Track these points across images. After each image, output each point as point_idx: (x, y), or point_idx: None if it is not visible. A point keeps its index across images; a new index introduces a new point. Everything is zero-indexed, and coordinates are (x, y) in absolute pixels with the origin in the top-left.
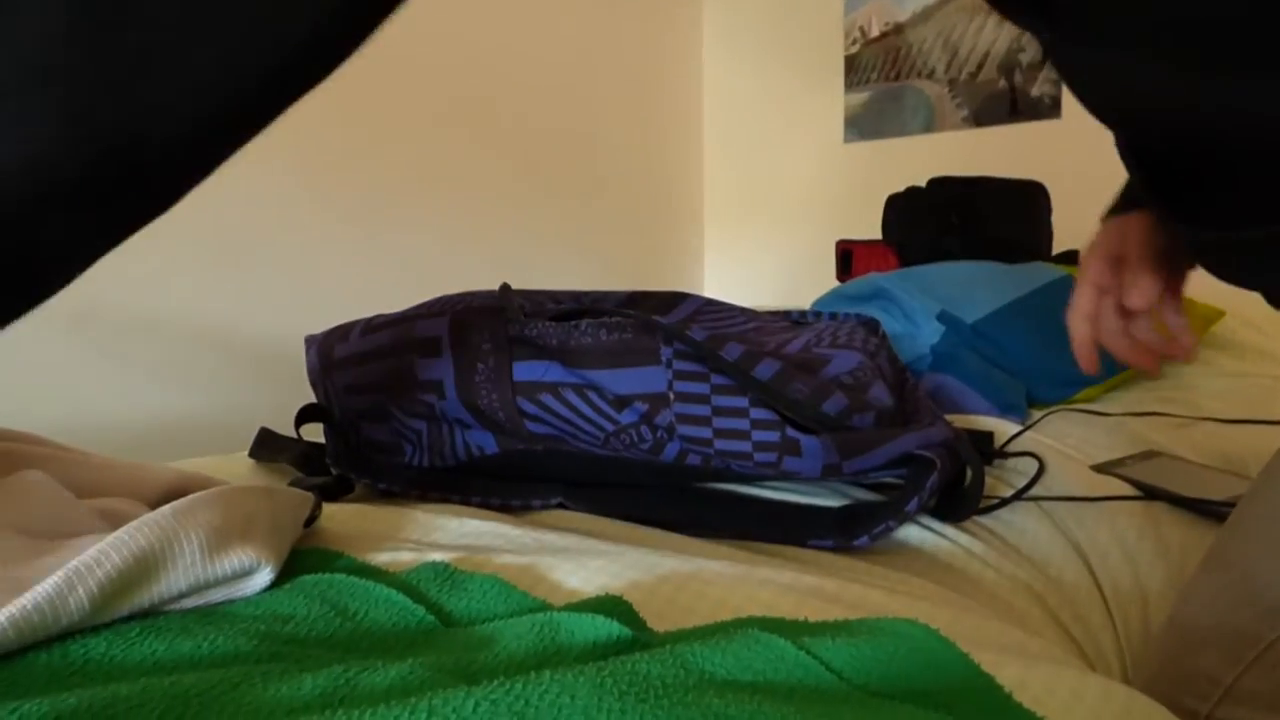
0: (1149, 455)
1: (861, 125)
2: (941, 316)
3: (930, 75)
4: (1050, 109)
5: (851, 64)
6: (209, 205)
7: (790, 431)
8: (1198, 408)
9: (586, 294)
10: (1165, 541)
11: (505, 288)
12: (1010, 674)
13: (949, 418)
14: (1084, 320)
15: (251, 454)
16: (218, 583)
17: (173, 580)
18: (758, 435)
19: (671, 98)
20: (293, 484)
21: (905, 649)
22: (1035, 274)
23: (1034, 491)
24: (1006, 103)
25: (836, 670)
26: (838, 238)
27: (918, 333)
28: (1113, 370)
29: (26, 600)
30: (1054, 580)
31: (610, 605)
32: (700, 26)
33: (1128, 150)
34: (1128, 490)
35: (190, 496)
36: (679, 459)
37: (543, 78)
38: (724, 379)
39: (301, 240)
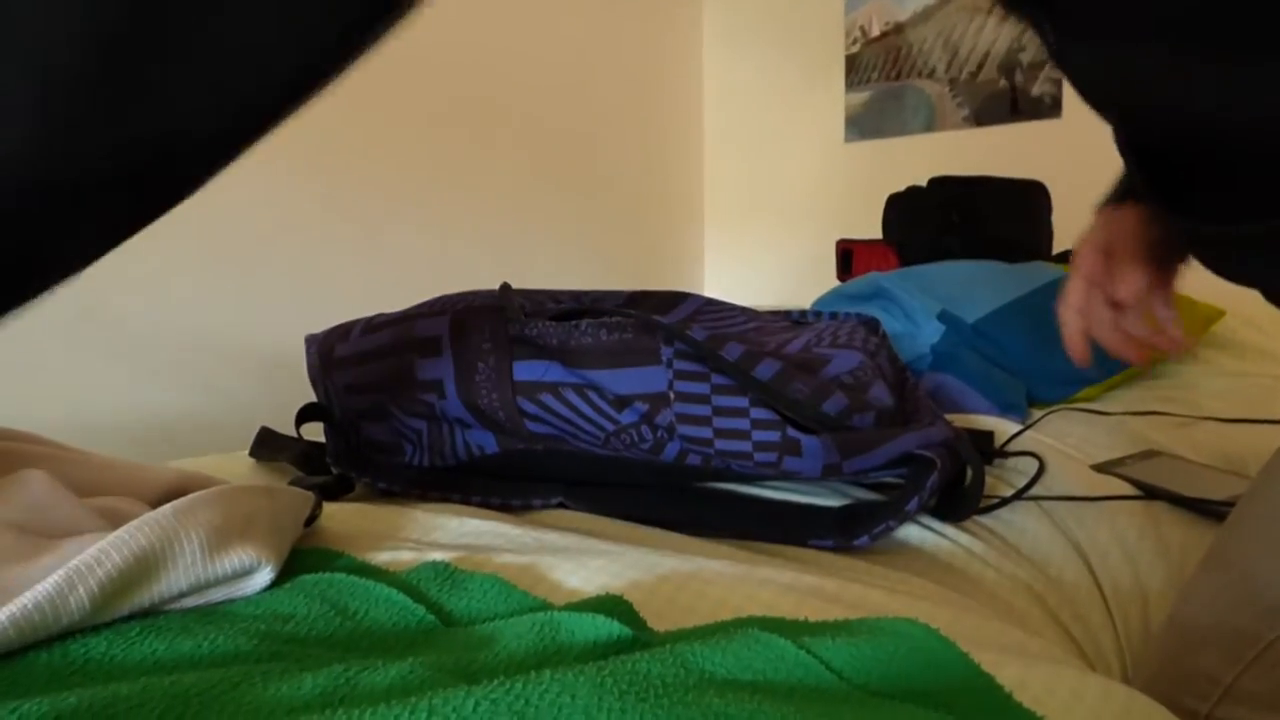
0: (1149, 455)
1: (862, 125)
2: (942, 316)
3: (931, 75)
4: (1051, 108)
5: (852, 63)
6: (209, 205)
7: (790, 431)
8: (1198, 407)
9: (587, 294)
10: (1165, 541)
11: (505, 287)
12: (1010, 674)
13: (949, 417)
14: (1075, 312)
15: (252, 453)
16: (218, 582)
17: (173, 580)
18: (758, 435)
19: (672, 97)
20: (293, 483)
21: (905, 649)
22: (1035, 273)
23: (1034, 491)
24: (1007, 102)
25: (837, 670)
26: (838, 237)
27: (918, 332)
28: (1113, 370)
29: (27, 599)
30: (1054, 580)
31: (610, 605)
32: (701, 26)
33: (1127, 145)
34: (1128, 490)
35: (190, 496)
36: (679, 459)
37: (543, 77)
38: (724, 379)
39: (302, 240)
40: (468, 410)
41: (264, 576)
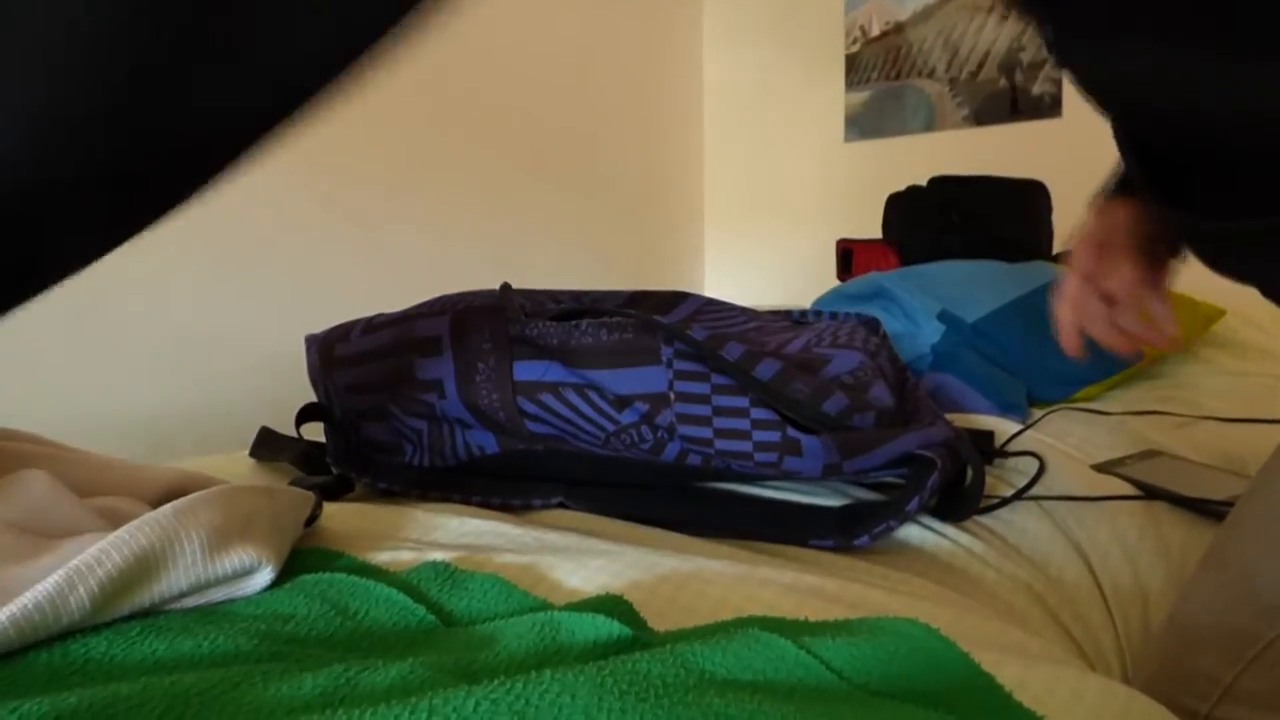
0: (1150, 455)
1: (862, 124)
2: (942, 316)
3: (931, 74)
4: (1051, 108)
5: (852, 63)
6: (209, 204)
7: (791, 431)
8: (1199, 407)
9: (587, 294)
10: (1166, 541)
11: (506, 287)
12: (1010, 674)
13: (949, 417)
14: (1068, 306)
15: (252, 453)
16: (218, 582)
17: (173, 579)
18: (758, 435)
19: (672, 97)
20: (293, 483)
21: (906, 648)
22: (1036, 273)
23: (1034, 491)
24: (1007, 102)
25: (837, 670)
26: (838, 237)
27: (918, 332)
28: (1113, 369)
29: (27, 599)
30: (1054, 580)
31: (611, 605)
32: (700, 25)
33: (1126, 142)
34: (1128, 490)
35: (191, 496)
36: (679, 459)
37: (543, 77)
38: (725, 379)
39: (302, 240)
40: (468, 410)
41: (264, 576)
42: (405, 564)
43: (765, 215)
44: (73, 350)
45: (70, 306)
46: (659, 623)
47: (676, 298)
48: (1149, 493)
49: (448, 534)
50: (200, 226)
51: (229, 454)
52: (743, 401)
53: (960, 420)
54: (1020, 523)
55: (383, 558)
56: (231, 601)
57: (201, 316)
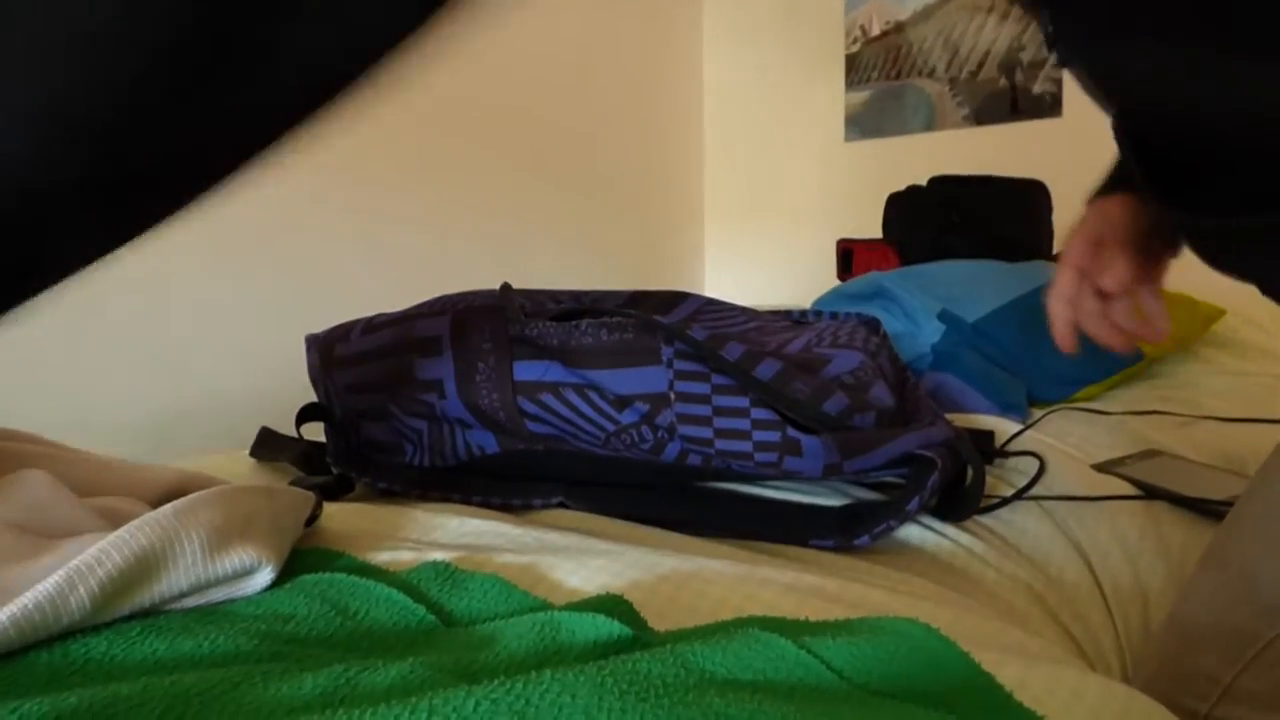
0: (1150, 454)
1: (862, 124)
2: (942, 315)
3: (931, 74)
4: (1051, 107)
5: (852, 62)
6: (209, 204)
7: (791, 431)
8: (1199, 406)
9: (587, 294)
10: (1166, 541)
11: (506, 287)
12: (1011, 673)
13: (950, 417)
14: (1063, 301)
15: (252, 453)
16: (218, 582)
17: (174, 579)
18: (759, 435)
19: (672, 96)
20: (293, 483)
21: (906, 648)
22: (1036, 273)
23: (1035, 491)
24: (1007, 101)
25: (837, 669)
26: (838, 236)
27: (918, 332)
28: (1113, 369)
29: (27, 599)
30: (1054, 580)
31: (611, 604)
32: (701, 25)
33: (1127, 138)
34: (1128, 490)
35: (191, 496)
36: (680, 459)
37: (543, 77)
38: (725, 379)
39: (302, 239)
40: (468, 410)
41: (264, 576)
42: (405, 564)
43: (765, 215)
44: (73, 350)
45: (70, 306)
46: (659, 622)
47: (676, 298)
48: (1149, 492)
49: (448, 534)
50: (200, 226)
51: (229, 454)
52: (743, 401)
53: (960, 420)
54: (1020, 522)
55: (383, 558)
56: (232, 601)
57: (201, 316)
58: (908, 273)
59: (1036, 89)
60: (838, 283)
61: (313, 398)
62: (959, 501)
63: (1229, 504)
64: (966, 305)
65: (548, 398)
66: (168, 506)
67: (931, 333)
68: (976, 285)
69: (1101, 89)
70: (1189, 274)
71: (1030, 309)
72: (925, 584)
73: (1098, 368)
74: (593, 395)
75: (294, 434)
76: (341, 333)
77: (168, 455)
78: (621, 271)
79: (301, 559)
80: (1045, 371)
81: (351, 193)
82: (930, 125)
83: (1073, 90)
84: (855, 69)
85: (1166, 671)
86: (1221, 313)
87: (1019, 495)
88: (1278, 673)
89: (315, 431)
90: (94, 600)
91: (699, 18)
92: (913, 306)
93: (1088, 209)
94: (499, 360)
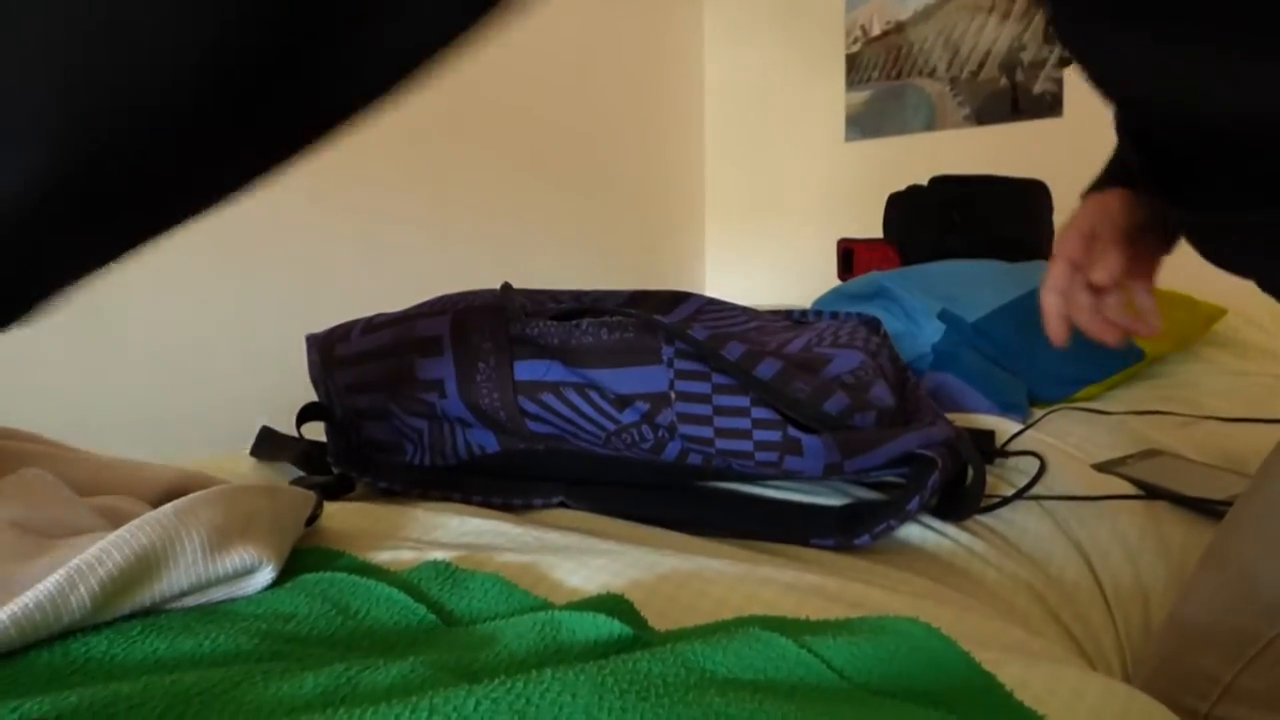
0: (1150, 454)
1: (863, 123)
2: (943, 315)
3: (932, 73)
4: (1052, 107)
5: (853, 62)
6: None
7: (792, 431)
8: (1199, 406)
9: (587, 293)
10: (1166, 541)
11: (506, 287)
12: (1011, 673)
13: (950, 416)
14: (1055, 293)
15: (253, 453)
16: (219, 581)
17: (174, 579)
18: (759, 435)
19: (672, 96)
20: (294, 483)
21: (906, 648)
22: (1036, 273)
23: (1035, 490)
24: (1008, 101)
25: (838, 669)
26: (839, 236)
27: (919, 331)
28: (1113, 369)
29: (28, 598)
30: (1055, 579)
31: (611, 604)
32: (701, 25)
33: (1127, 131)
34: (1129, 489)
35: (191, 495)
36: (680, 458)
37: (544, 77)
38: (725, 378)
39: (302, 240)
40: (469, 410)
41: (265, 576)
42: (406, 563)
43: (766, 215)
44: (73, 350)
45: (71, 307)
46: (660, 622)
47: (677, 297)
48: (1150, 492)
49: (448, 533)
50: (200, 226)
51: (229, 454)
52: (743, 401)
53: (961, 420)
54: (1021, 522)
55: (383, 557)
56: (232, 601)
57: (201, 316)
58: (908, 273)
59: (1037, 89)
60: (838, 282)
61: (313, 397)
62: (959, 501)
63: (1229, 504)
64: (967, 305)
65: (548, 397)
66: (168, 506)
67: (932, 332)
68: (977, 285)
69: (1102, 81)
70: (1190, 273)
71: (1030, 309)
72: (926, 583)
73: (1098, 367)
74: (593, 395)
75: (294, 433)
76: (342, 332)
77: (168, 455)
78: (622, 271)
79: (302, 558)
80: (1045, 371)
81: (352, 192)
82: (931, 125)
83: (1073, 90)
84: (856, 69)
85: (1167, 671)
86: (1222, 312)
87: (1019, 495)
88: (1278, 672)
89: (316, 431)
90: (94, 599)
91: (699, 18)
92: (913, 306)
93: (1083, 202)
94: (499, 360)
